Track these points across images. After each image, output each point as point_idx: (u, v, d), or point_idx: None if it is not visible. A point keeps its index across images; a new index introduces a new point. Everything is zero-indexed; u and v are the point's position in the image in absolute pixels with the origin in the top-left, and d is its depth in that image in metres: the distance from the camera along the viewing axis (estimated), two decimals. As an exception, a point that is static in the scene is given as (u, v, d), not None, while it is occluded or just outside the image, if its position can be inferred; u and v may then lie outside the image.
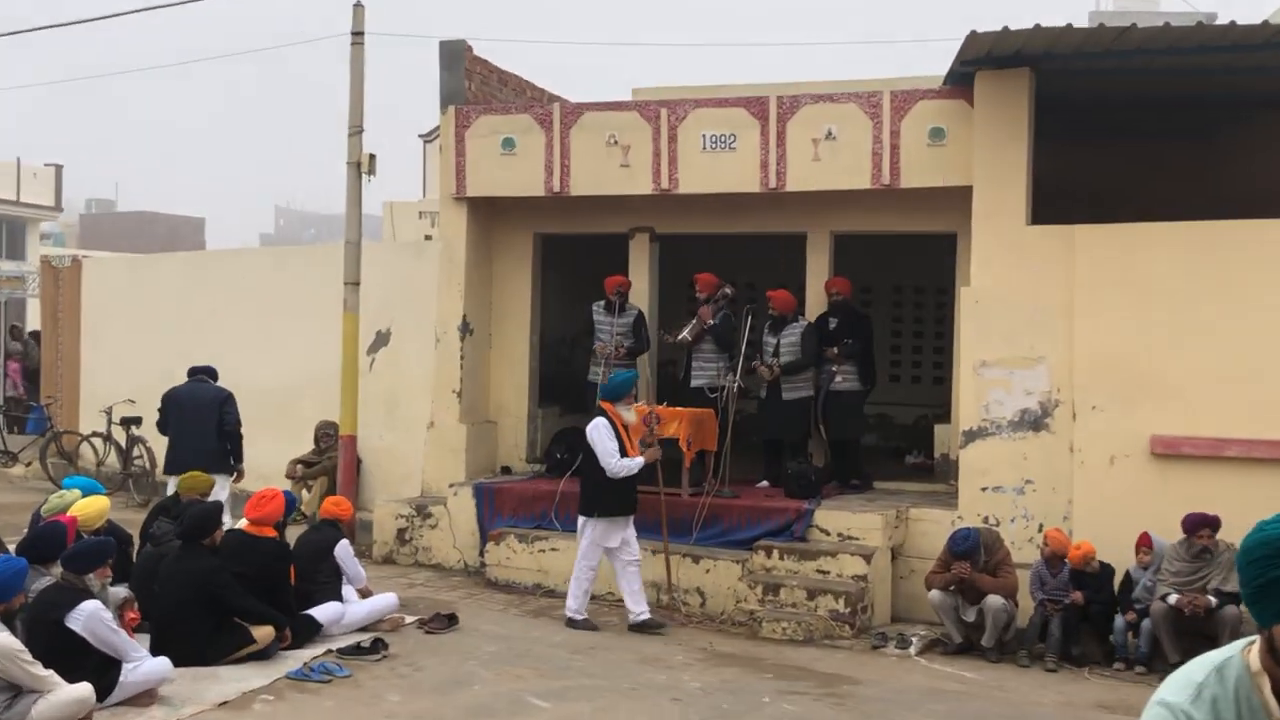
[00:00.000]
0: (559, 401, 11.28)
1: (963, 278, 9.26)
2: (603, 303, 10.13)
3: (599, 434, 7.70)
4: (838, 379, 9.71)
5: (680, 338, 9.79)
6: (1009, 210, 8.65)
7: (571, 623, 8.07)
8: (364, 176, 10.34)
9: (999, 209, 8.67)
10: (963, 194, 8.99)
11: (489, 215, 10.93)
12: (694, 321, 9.82)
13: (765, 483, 10.00)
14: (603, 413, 7.84)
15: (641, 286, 10.55)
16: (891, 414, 13.17)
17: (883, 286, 13.63)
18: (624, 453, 7.86)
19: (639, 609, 8.04)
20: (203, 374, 9.89)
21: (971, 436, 8.80)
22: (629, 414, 7.92)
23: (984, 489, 8.70)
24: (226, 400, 9.70)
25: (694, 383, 9.84)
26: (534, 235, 10.94)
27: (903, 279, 13.58)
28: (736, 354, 9.70)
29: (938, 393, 12.55)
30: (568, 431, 10.33)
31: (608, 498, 7.97)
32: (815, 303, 10.19)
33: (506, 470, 10.91)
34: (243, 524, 7.57)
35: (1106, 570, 8.18)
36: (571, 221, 10.73)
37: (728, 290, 9.99)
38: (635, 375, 8.24)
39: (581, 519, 8.07)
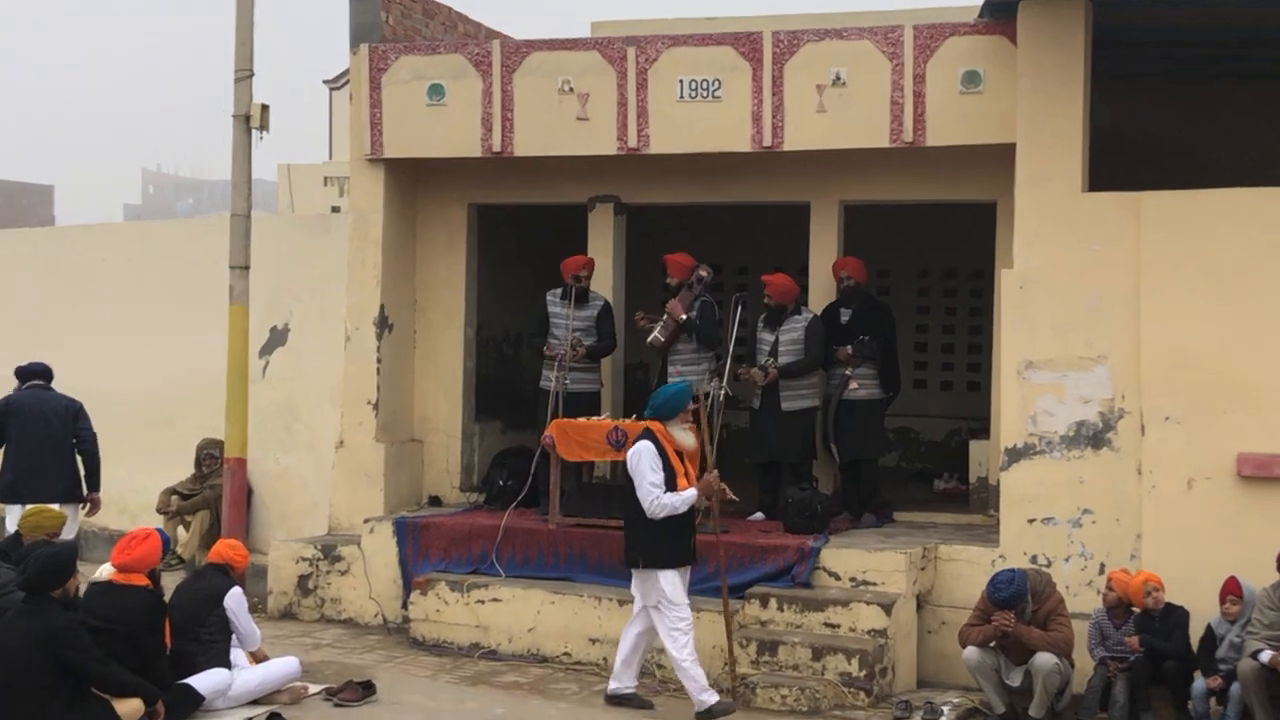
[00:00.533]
0: (501, 415, 11.31)
1: (1004, 258, 9.32)
2: (559, 291, 10.11)
3: (641, 461, 7.55)
4: (851, 385, 9.72)
5: (651, 339, 9.82)
6: (1061, 173, 8.72)
7: (618, 698, 8.11)
8: (254, 133, 10.34)
9: (1048, 172, 8.72)
10: (1003, 154, 9.07)
11: (412, 181, 11.03)
12: (664, 319, 9.83)
13: (760, 514, 10.03)
14: (649, 435, 7.73)
15: (604, 269, 10.59)
16: (917, 428, 13.20)
17: (905, 270, 13.59)
18: (672, 486, 7.72)
19: (698, 692, 7.90)
20: (36, 376, 9.81)
21: (1015, 456, 8.82)
22: (685, 437, 7.80)
23: (1031, 521, 8.74)
24: (80, 412, 9.68)
25: None
26: (469, 207, 10.98)
27: (930, 260, 13.61)
28: (723, 354, 9.75)
29: (973, 402, 12.48)
30: (512, 452, 10.43)
31: (665, 541, 7.83)
32: (821, 290, 10.19)
33: (436, 501, 10.97)
34: (106, 571, 7.52)
35: (1179, 614, 8.19)
36: (516, 189, 10.81)
37: (703, 273, 9.94)
38: (687, 386, 8.13)
39: (645, 572, 7.89)
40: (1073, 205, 8.68)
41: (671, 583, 7.73)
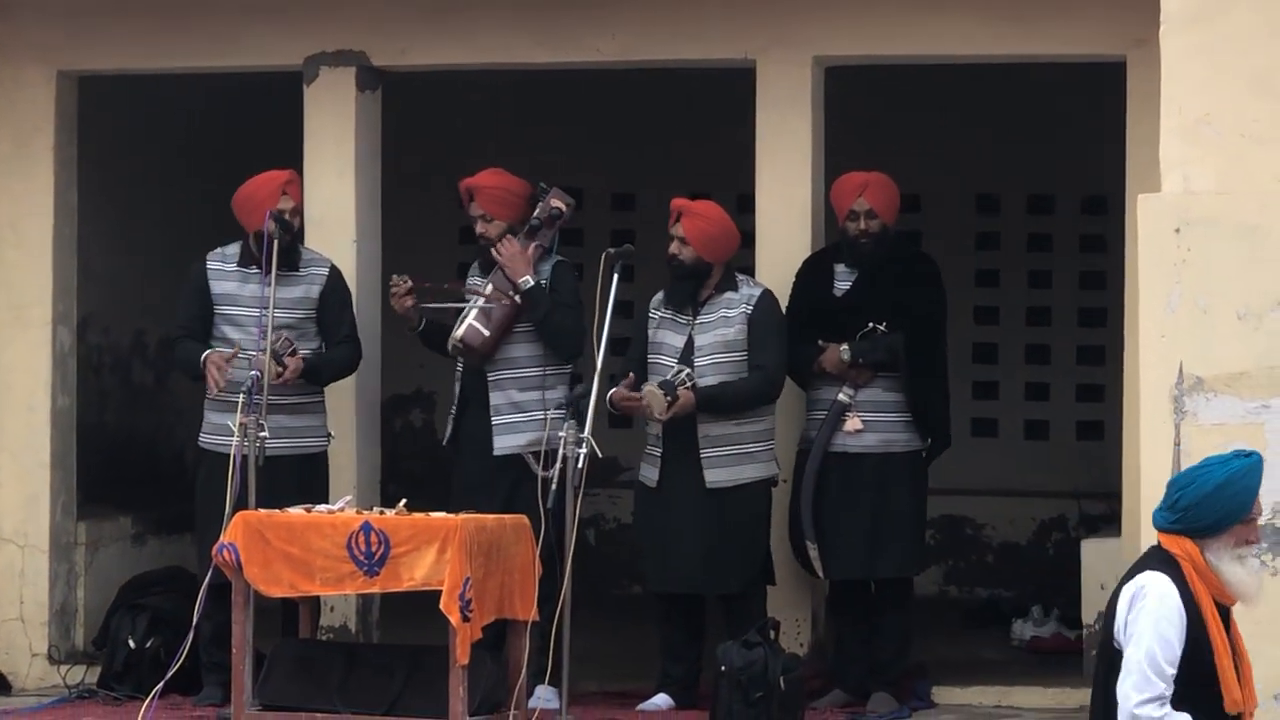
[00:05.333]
0: (133, 503, 9.31)
1: (1140, 171, 7.79)
2: (235, 248, 8.15)
3: (1154, 624, 5.58)
4: (850, 424, 7.85)
5: (458, 338, 7.92)
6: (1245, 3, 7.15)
7: None
8: None
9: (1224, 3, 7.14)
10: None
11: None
12: (478, 291, 8.02)
13: (661, 698, 7.75)
14: (1168, 564, 5.92)
15: (335, 199, 8.48)
16: (976, 516, 11.01)
17: (948, 199, 11.26)
18: (1198, 683, 5.79)
19: None
20: None
21: None
22: (1240, 573, 5.86)
23: None
24: None
25: (499, 442, 7.82)
26: (58, 78, 8.72)
27: (997, 181, 11.38)
28: (585, 366, 8.16)
29: (1089, 461, 10.58)
30: (154, 581, 8.60)
31: None
32: (781, 244, 8.34)
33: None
34: None
35: None
36: (156, 43, 8.68)
37: (556, 204, 7.95)
38: (1258, 460, 6.12)
39: None
40: (1271, 67, 7.05)
41: None
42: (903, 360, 7.65)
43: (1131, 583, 5.43)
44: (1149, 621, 5.26)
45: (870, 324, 7.68)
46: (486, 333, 7.60)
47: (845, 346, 7.57)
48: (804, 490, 7.61)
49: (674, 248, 7.60)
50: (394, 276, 8.01)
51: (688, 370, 7.59)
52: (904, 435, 7.73)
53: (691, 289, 7.43)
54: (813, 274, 7.91)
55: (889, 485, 7.76)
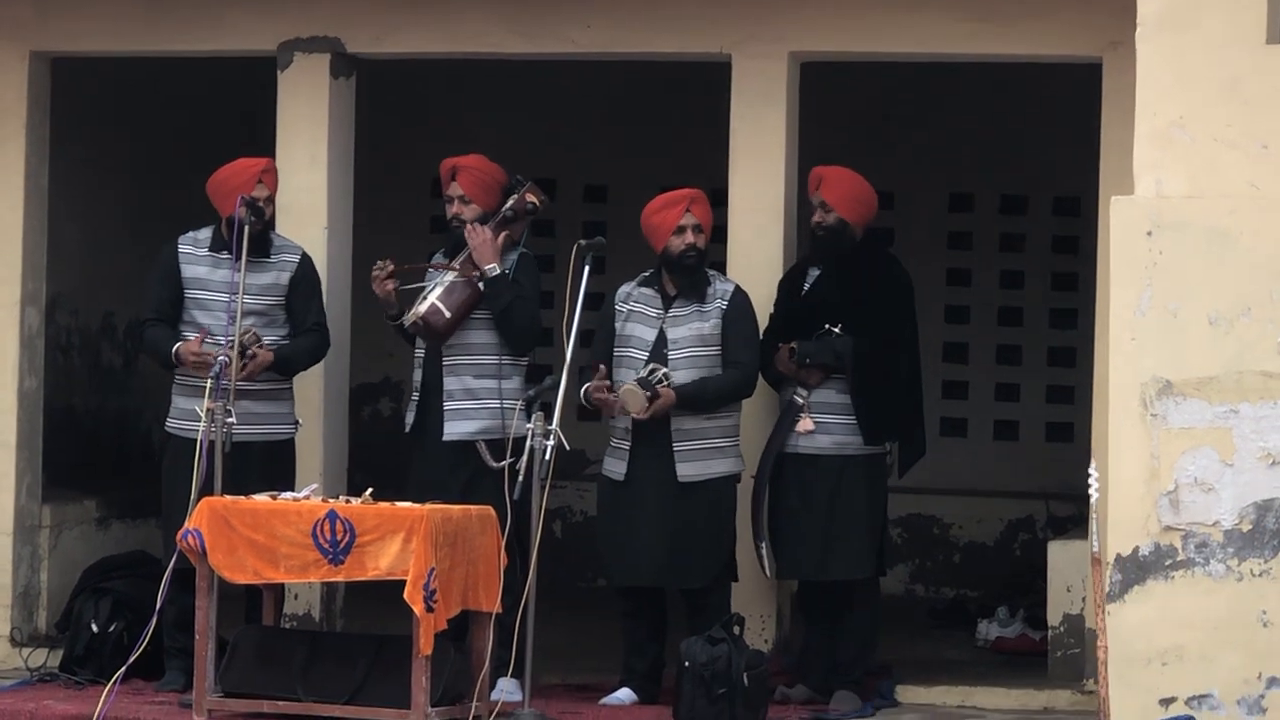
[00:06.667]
0: (98, 487, 9.38)
1: (1115, 177, 7.87)
2: (207, 233, 8.20)
3: None
4: (803, 424, 7.89)
5: (419, 314, 7.96)
6: (1227, 5, 7.20)
7: None
8: None
9: (1198, 6, 7.21)
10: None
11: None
12: (444, 272, 8.17)
13: (624, 692, 7.79)
14: None
15: (308, 187, 8.50)
16: (944, 516, 11.06)
17: (924, 198, 11.33)
18: None
19: None
20: None
21: (1136, 572, 7.22)
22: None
23: (1167, 703, 7.06)
24: None
25: (450, 428, 7.86)
26: (31, 59, 8.72)
27: (973, 180, 11.46)
28: (554, 358, 8.77)
29: (1057, 463, 10.63)
30: (117, 565, 8.60)
31: None
32: (752, 242, 8.45)
33: None
34: None
35: None
36: (130, 26, 8.66)
37: (531, 199, 8.01)
38: None
39: None
40: (1245, 67, 7.12)
41: None
42: (849, 363, 7.62)
43: None
44: None
45: (825, 325, 7.75)
46: (448, 314, 7.63)
47: (793, 345, 7.75)
48: (755, 489, 7.85)
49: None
50: (378, 260, 8.03)
51: (664, 369, 7.67)
52: (857, 438, 7.75)
53: (660, 284, 7.62)
54: (788, 279, 7.99)
55: (843, 488, 7.78)
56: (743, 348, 7.66)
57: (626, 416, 7.68)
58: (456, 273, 7.76)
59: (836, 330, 7.63)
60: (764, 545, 7.75)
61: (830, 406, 7.68)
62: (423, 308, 7.71)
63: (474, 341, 7.80)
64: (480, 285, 7.66)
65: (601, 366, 7.74)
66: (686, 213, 7.80)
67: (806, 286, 7.97)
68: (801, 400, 7.69)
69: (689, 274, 7.87)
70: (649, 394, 7.35)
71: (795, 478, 7.72)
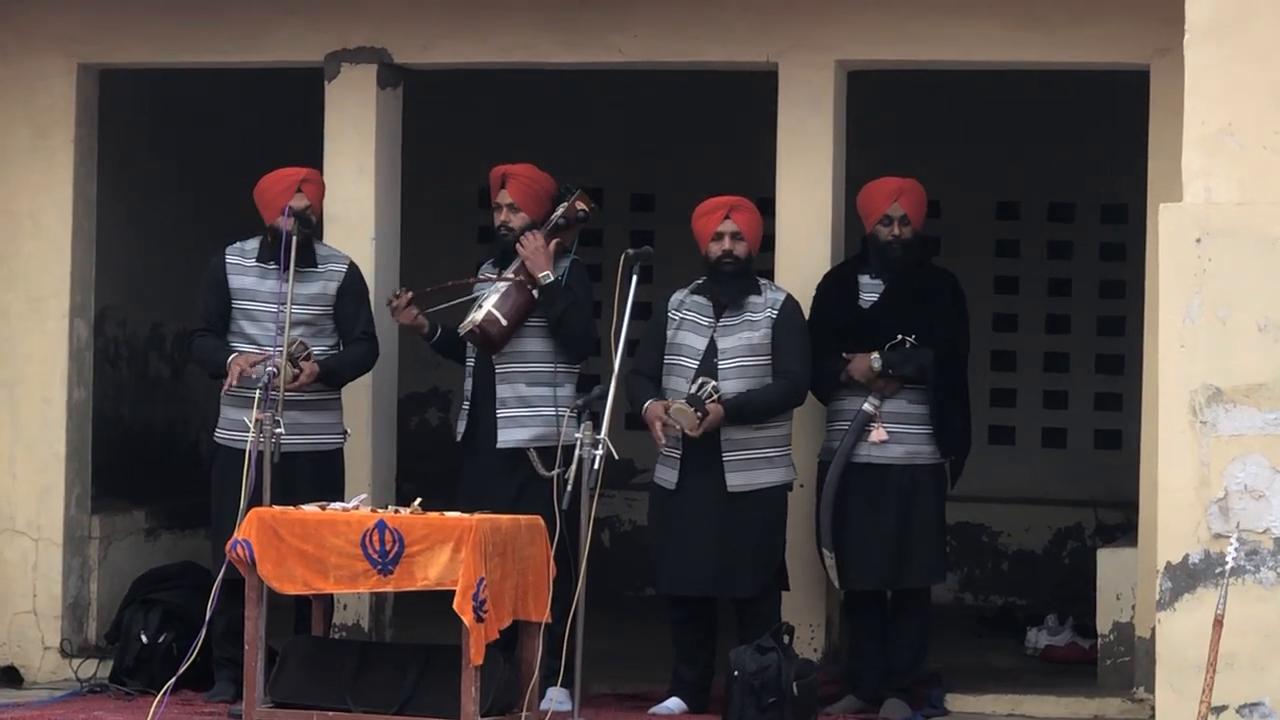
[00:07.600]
0: (147, 497, 9.42)
1: (1161, 180, 7.96)
2: (255, 243, 8.24)
3: None
4: (876, 434, 7.90)
5: (476, 320, 7.97)
6: (1268, 12, 7.21)
7: None
8: None
9: (1247, 13, 7.22)
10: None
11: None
12: (499, 280, 8.12)
13: (674, 702, 7.81)
14: None
15: (355, 197, 8.59)
16: (991, 524, 11.10)
17: (966, 206, 11.28)
18: None
19: None
20: None
21: (1187, 581, 7.24)
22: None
23: (1217, 710, 7.01)
24: None
25: (504, 435, 7.89)
26: (79, 71, 8.84)
27: (1018, 187, 11.53)
28: (602, 367, 8.74)
29: (1106, 471, 10.58)
30: (167, 576, 8.69)
31: None
32: (800, 249, 8.45)
33: (11, 675, 8.70)
34: None
35: None
36: (175, 38, 8.76)
37: (581, 207, 8.05)
38: None
39: None
40: None
41: None
42: (930, 375, 7.77)
43: None
44: None
45: (900, 336, 7.76)
46: (505, 321, 7.60)
47: (876, 355, 7.63)
48: (824, 499, 7.77)
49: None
50: (393, 291, 8.18)
51: (713, 382, 7.72)
52: (928, 447, 7.81)
53: (714, 293, 7.54)
54: (837, 286, 7.97)
55: (915, 496, 7.84)
56: (793, 357, 7.53)
57: (689, 436, 7.80)
58: (514, 273, 7.92)
59: (911, 340, 7.75)
60: (826, 555, 7.82)
61: (904, 416, 7.77)
62: (479, 315, 7.72)
63: (528, 349, 7.83)
64: (534, 292, 7.73)
65: (669, 399, 7.90)
66: (726, 219, 7.84)
67: (867, 297, 7.99)
68: (874, 410, 7.76)
69: (728, 281, 7.87)
70: (699, 412, 7.46)
71: (865, 487, 7.78)
